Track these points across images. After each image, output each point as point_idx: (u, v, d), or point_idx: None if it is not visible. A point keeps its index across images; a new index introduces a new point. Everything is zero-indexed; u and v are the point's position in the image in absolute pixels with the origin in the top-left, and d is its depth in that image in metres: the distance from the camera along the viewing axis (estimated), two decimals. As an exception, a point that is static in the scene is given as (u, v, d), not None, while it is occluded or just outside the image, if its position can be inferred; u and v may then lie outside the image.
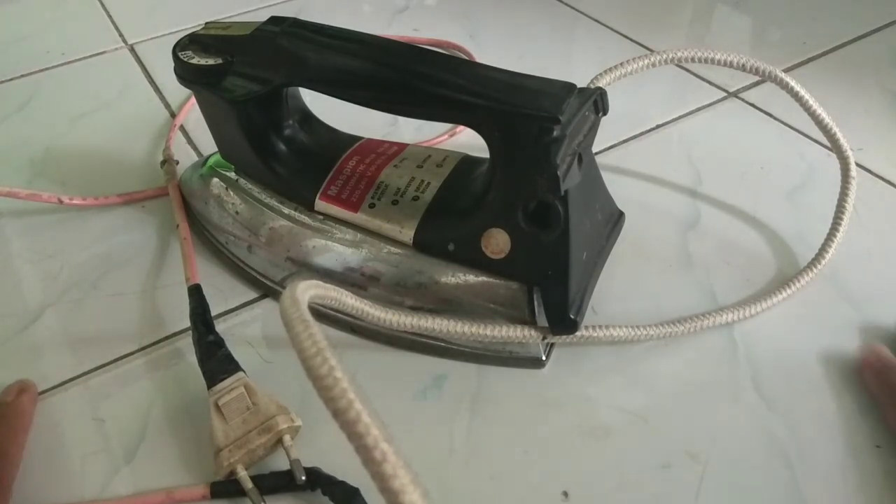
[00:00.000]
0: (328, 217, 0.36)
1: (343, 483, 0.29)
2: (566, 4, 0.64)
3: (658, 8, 0.64)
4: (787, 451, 0.31)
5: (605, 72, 0.37)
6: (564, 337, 0.33)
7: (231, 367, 0.32)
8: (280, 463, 0.30)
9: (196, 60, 0.34)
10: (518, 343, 0.33)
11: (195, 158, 0.46)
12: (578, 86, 0.30)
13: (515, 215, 0.31)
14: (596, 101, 0.31)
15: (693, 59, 0.37)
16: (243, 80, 0.34)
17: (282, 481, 0.29)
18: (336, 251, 0.35)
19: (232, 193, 0.38)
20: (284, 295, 0.22)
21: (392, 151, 0.37)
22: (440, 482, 0.30)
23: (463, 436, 0.32)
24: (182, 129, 0.50)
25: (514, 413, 0.32)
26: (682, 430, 0.31)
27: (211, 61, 0.34)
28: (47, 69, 0.57)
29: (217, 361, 0.32)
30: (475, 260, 0.33)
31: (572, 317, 0.32)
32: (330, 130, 0.39)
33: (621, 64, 0.37)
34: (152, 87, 0.54)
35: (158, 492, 0.29)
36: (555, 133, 0.28)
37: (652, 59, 0.37)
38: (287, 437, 0.30)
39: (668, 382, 0.33)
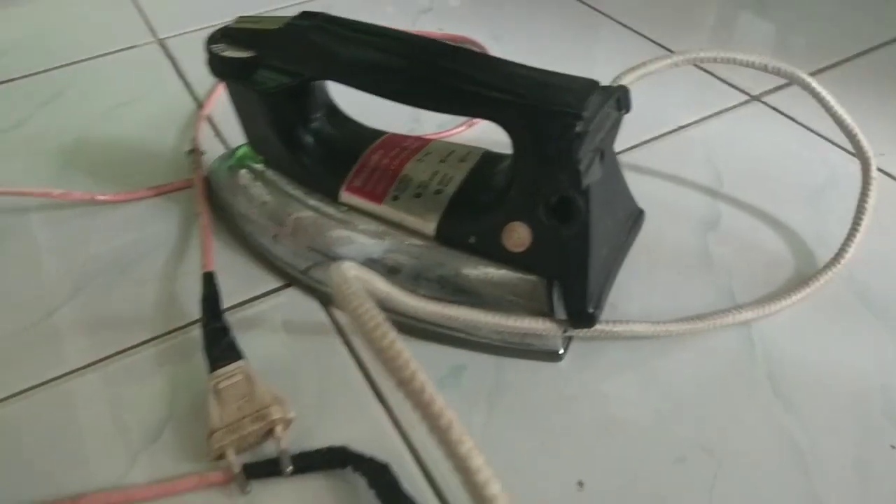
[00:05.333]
0: (352, 208, 0.36)
1: (372, 459, 0.29)
2: (590, 7, 0.65)
3: (681, 13, 0.64)
4: (802, 449, 0.31)
5: (628, 71, 0.38)
6: (583, 331, 0.34)
7: (233, 354, 0.33)
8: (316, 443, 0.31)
9: (228, 53, 0.35)
10: (536, 336, 0.34)
11: (222, 150, 0.47)
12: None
13: (537, 209, 0.31)
14: (619, 98, 0.32)
15: (716, 60, 0.38)
16: (274, 72, 0.34)
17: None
18: (359, 242, 0.36)
19: (259, 184, 0.39)
20: (334, 274, 0.23)
21: (416, 146, 0.38)
22: (457, 469, 0.30)
23: (480, 425, 0.32)
24: (210, 121, 0.51)
25: (532, 405, 0.33)
26: (698, 426, 0.32)
27: (243, 54, 0.35)
28: (79, 62, 0.59)
29: (220, 348, 0.33)
30: (496, 253, 0.33)
31: (591, 310, 0.32)
32: (355, 125, 0.40)
33: (644, 63, 0.38)
34: (181, 82, 0.55)
35: (191, 476, 0.30)
36: (578, 128, 0.29)
37: (675, 59, 0.38)
38: (279, 428, 0.30)
39: (685, 378, 0.34)
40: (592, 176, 0.30)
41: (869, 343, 0.35)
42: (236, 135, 0.40)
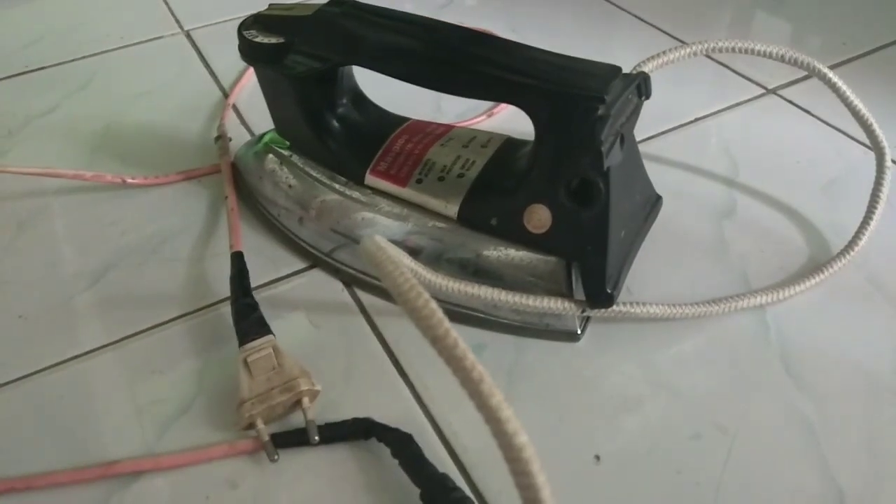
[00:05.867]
0: (377, 191, 0.37)
1: (397, 430, 0.30)
2: (607, 0, 0.65)
3: (698, 8, 0.65)
4: (814, 427, 0.32)
5: (648, 59, 0.39)
6: (600, 311, 0.35)
7: (262, 329, 0.34)
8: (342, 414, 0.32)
9: (260, 39, 0.36)
10: (555, 316, 0.35)
11: (248, 137, 0.48)
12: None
13: (558, 191, 0.32)
14: (639, 84, 0.32)
15: (734, 50, 0.38)
16: (304, 57, 0.36)
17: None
18: (383, 224, 0.37)
19: (285, 168, 0.40)
20: (366, 242, 0.24)
21: (439, 132, 0.39)
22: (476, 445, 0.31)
23: (500, 401, 0.33)
24: (235, 109, 0.52)
25: (550, 383, 0.34)
26: (712, 404, 0.33)
27: (273, 40, 0.36)
28: (106, 52, 0.60)
29: (250, 322, 0.34)
30: (517, 234, 0.34)
31: (609, 291, 0.33)
32: (380, 111, 0.41)
33: (664, 52, 0.39)
34: (207, 71, 0.57)
35: (220, 444, 0.31)
36: (600, 112, 0.30)
37: (694, 49, 0.39)
38: (306, 399, 0.32)
39: (700, 359, 0.35)
40: (613, 159, 0.30)
41: (881, 327, 0.36)
42: (261, 122, 0.41)
